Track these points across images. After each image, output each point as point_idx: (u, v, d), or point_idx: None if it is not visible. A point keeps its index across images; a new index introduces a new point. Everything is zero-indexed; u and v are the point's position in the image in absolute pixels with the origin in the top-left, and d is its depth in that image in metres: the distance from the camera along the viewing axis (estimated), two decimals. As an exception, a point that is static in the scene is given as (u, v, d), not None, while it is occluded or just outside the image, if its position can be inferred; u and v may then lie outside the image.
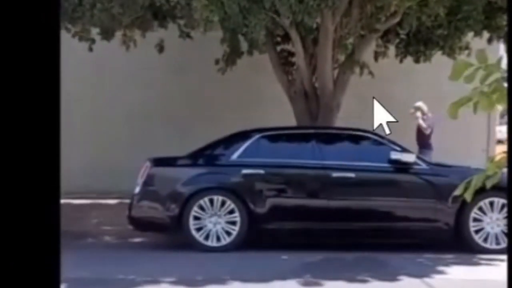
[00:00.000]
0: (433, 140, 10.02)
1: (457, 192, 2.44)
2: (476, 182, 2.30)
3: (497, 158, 2.34)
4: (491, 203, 6.88)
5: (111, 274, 5.80)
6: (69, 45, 8.43)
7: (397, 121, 11.06)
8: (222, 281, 5.52)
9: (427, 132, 9.99)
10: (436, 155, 8.86)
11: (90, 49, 8.43)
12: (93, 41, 8.43)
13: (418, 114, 10.08)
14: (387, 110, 11.51)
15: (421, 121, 10.01)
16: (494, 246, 6.87)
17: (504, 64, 2.12)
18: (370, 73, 9.48)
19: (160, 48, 8.84)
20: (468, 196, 2.36)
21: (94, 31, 8.36)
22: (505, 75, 2.06)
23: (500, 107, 2.26)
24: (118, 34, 8.56)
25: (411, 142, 9.36)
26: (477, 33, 8.79)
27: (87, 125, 11.51)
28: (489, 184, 2.32)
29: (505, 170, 2.30)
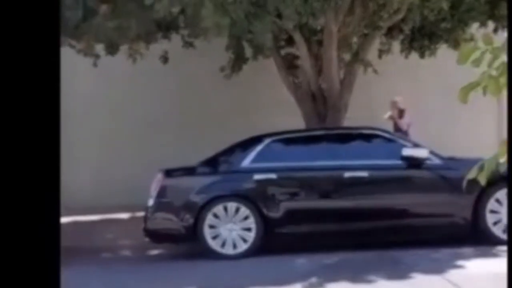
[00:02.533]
0: (414, 136, 9.72)
1: (470, 175, 2.40)
2: (489, 164, 2.27)
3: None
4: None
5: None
6: (74, 59, 8.49)
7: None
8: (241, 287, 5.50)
9: (404, 128, 9.73)
10: (447, 149, 8.77)
11: (95, 65, 8.46)
12: (97, 56, 8.47)
13: (394, 111, 9.85)
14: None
15: (397, 119, 9.81)
16: (513, 237, 6.79)
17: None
18: (375, 71, 9.44)
19: (165, 59, 8.87)
20: (482, 179, 2.33)
21: (99, 46, 8.39)
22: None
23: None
24: (123, 47, 8.59)
25: (421, 136, 9.27)
26: (482, 24, 8.74)
27: (94, 139, 11.53)
28: (502, 169, 2.29)
29: None
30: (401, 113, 9.85)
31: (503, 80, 1.98)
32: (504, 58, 2.00)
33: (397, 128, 9.76)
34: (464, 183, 3.60)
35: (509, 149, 2.15)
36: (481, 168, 2.31)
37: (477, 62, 2.03)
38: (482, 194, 6.72)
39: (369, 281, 5.54)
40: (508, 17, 1.87)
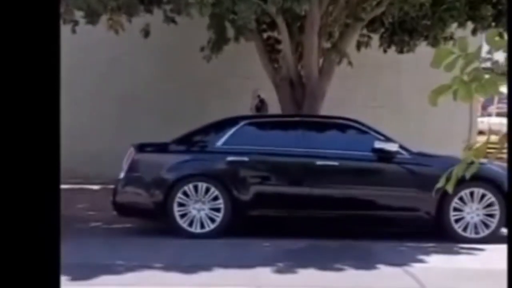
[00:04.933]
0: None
1: (439, 184, 2.46)
2: (457, 172, 2.32)
3: (476, 146, 2.37)
4: (471, 193, 6.97)
5: (95, 259, 5.81)
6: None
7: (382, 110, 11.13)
8: (205, 267, 5.55)
9: None
10: (419, 145, 8.94)
11: (73, 31, 8.29)
12: (76, 23, 8.31)
13: (255, 101, 10.31)
14: (373, 99, 11.60)
15: (253, 109, 10.25)
16: (473, 235, 6.97)
17: (483, 53, 2.16)
18: (350, 63, 9.46)
19: (146, 33, 8.76)
20: (450, 188, 2.39)
21: (78, 14, 8.26)
22: (483, 64, 2.10)
23: (480, 97, 2.29)
24: (103, 18, 8.47)
25: (395, 131, 9.41)
26: (461, 24, 8.85)
27: (71, 109, 11.43)
28: (469, 174, 2.35)
29: (484, 160, 2.34)
30: (261, 103, 10.33)
31: (474, 85, 2.03)
32: (477, 64, 2.06)
33: None
34: (434, 192, 3.68)
35: (509, 148, 2.20)
36: (449, 176, 2.37)
37: (450, 67, 2.08)
38: (447, 192, 6.83)
39: (335, 269, 5.63)
40: (508, 16, 1.90)
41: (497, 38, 2.08)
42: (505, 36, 2.27)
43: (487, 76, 2.03)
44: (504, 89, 2.17)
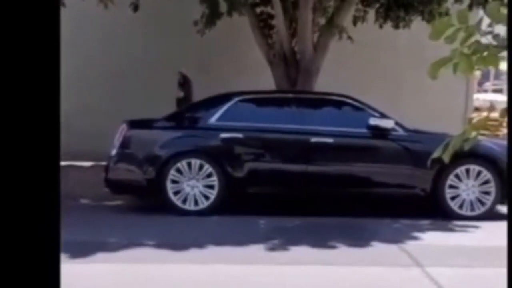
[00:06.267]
0: None
1: (435, 154, 2.41)
2: (454, 143, 2.27)
3: (475, 120, 2.32)
4: (467, 170, 6.94)
5: (88, 237, 5.76)
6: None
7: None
8: (198, 244, 5.51)
9: (180, 96, 10.29)
10: (415, 122, 8.90)
11: (63, 5, 8.15)
12: None
13: (179, 78, 10.46)
14: (368, 75, 11.51)
15: (179, 87, 10.40)
16: (469, 213, 6.95)
17: (483, 26, 2.09)
18: (349, 37, 9.38)
19: (135, 7, 8.62)
20: (446, 157, 2.34)
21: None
22: (483, 38, 2.04)
23: (478, 71, 2.23)
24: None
25: (391, 107, 9.35)
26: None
27: (63, 85, 11.32)
28: (467, 147, 2.30)
29: (480, 137, 2.29)
30: (184, 79, 10.49)
31: (475, 58, 1.97)
32: (477, 36, 1.99)
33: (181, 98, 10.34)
34: (429, 162, 3.65)
35: (509, 145, 2.15)
36: (446, 146, 2.31)
37: (450, 39, 2.01)
38: (443, 169, 6.84)
39: (330, 247, 5.61)
40: (508, 16, 1.84)
41: (501, 9, 2.00)
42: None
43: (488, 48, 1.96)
44: (504, 65, 2.11)
